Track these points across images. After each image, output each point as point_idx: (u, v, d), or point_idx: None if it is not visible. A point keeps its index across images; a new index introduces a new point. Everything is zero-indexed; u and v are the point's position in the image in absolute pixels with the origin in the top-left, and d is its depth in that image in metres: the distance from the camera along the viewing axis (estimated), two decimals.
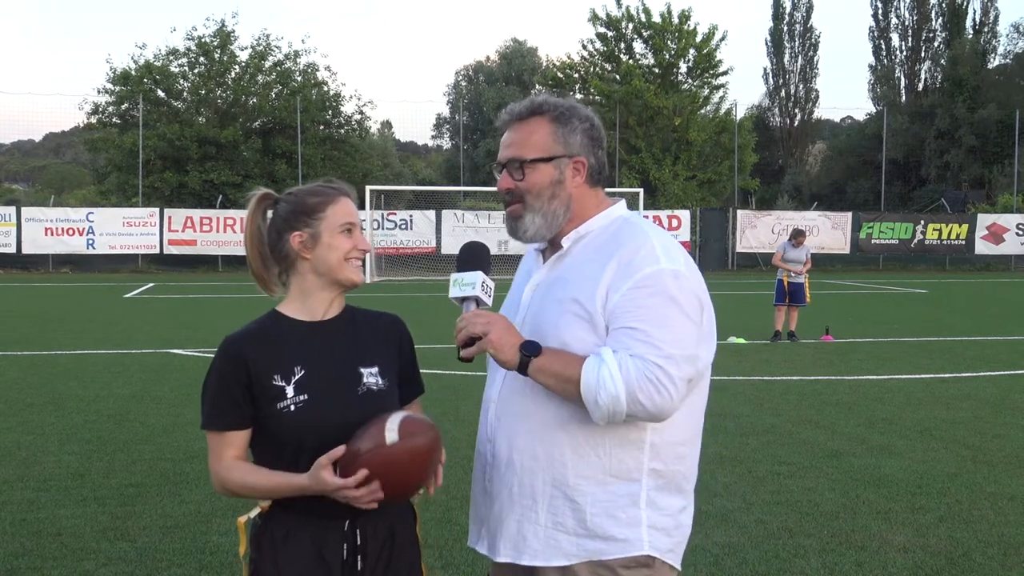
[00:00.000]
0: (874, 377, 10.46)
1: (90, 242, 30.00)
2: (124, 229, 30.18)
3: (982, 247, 34.20)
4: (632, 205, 29.58)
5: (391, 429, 2.08)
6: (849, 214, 34.44)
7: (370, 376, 2.29)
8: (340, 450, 2.08)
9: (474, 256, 2.29)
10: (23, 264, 30.25)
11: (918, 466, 6.58)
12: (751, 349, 12.84)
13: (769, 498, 5.77)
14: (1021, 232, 34.06)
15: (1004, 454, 6.94)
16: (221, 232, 30.54)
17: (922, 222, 34.36)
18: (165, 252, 30.49)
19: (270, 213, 2.33)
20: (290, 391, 2.20)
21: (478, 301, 2.22)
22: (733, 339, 13.46)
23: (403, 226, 31.18)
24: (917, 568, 4.64)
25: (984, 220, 34.29)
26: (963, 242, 34.23)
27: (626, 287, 2.09)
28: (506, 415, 2.26)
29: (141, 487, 5.95)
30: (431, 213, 31.44)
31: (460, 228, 29.97)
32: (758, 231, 33.07)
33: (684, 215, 33.30)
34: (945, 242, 34.28)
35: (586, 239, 2.24)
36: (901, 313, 18.29)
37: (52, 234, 29.78)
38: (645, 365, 2.03)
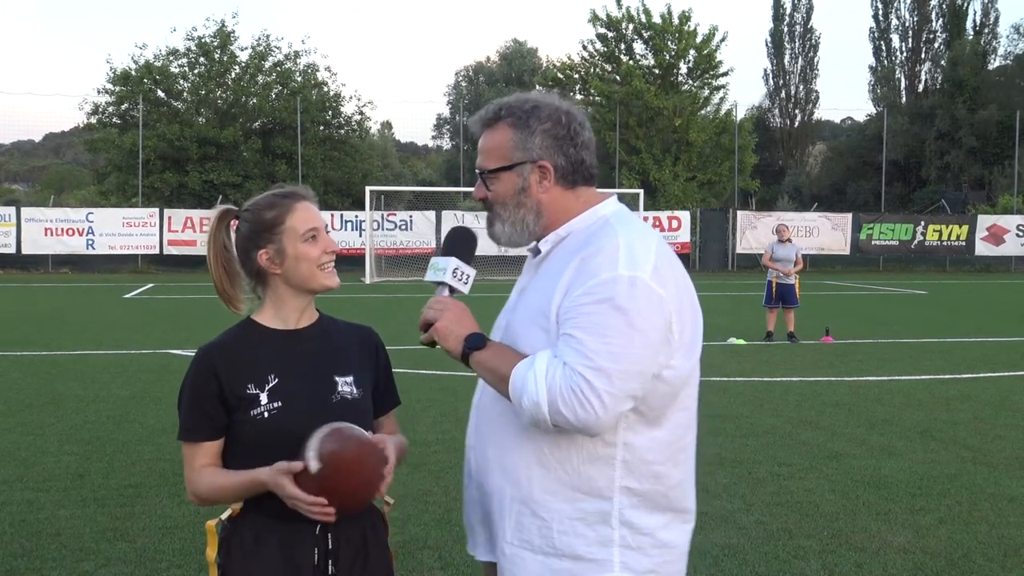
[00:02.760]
0: (874, 378, 10.46)
1: (90, 242, 30.01)
2: (124, 229, 30.19)
3: (982, 248, 34.22)
4: (632, 206, 29.68)
5: (311, 459, 2.05)
6: (849, 215, 34.47)
7: (345, 385, 2.27)
8: (298, 465, 2.05)
9: (455, 241, 2.24)
10: (23, 264, 30.26)
11: (918, 467, 6.57)
12: (751, 350, 12.84)
13: (769, 499, 5.77)
14: (1021, 233, 34.08)
15: (1004, 455, 6.93)
16: None
17: (922, 223, 34.38)
18: (165, 252, 30.48)
19: (234, 229, 2.31)
20: (264, 398, 2.19)
21: (452, 288, 2.19)
22: (733, 340, 13.46)
23: (403, 227, 31.22)
24: (917, 570, 4.64)
25: (984, 221, 34.32)
26: (963, 243, 34.25)
27: (577, 292, 1.96)
28: (482, 423, 2.19)
29: (141, 488, 5.94)
30: (431, 214, 31.46)
31: None
32: (758, 232, 33.06)
33: (684, 216, 33.33)
34: (945, 243, 34.30)
35: (566, 241, 2.12)
36: (901, 314, 18.29)
37: (52, 234, 29.79)
38: (572, 375, 1.90)
